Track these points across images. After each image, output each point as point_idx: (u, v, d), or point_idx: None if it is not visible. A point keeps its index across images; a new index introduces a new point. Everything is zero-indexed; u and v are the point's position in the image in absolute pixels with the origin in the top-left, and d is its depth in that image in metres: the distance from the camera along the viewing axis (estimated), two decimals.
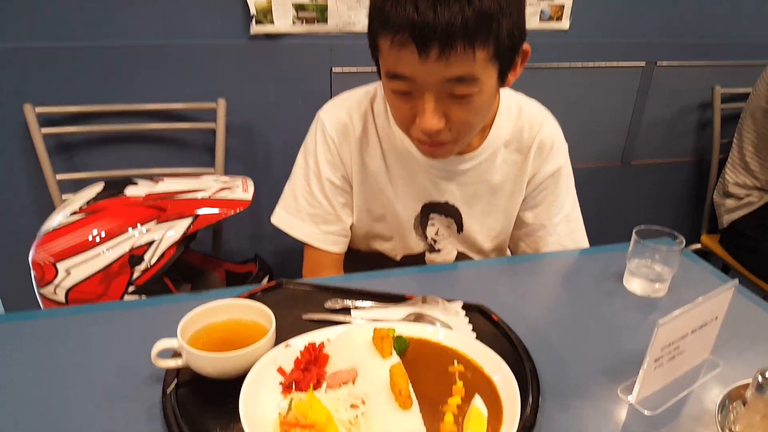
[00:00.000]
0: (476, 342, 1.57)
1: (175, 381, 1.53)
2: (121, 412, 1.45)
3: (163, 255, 2.35)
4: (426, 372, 1.49)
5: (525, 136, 1.72)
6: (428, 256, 2.20)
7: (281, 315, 1.81)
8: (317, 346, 1.55)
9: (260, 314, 1.63)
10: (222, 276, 2.84)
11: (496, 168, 1.76)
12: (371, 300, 1.89)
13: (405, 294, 1.88)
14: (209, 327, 1.63)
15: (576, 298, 1.95)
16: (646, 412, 1.27)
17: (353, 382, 1.40)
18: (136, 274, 2.33)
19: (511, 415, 1.33)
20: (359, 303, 1.85)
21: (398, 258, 2.23)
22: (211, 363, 1.48)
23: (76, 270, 2.30)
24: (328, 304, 1.85)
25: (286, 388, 1.44)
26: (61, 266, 2.30)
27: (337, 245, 2.09)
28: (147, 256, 2.34)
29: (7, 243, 2.61)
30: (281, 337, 1.58)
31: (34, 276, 2.37)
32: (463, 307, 1.84)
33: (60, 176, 2.67)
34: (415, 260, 2.21)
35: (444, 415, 1.36)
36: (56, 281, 2.30)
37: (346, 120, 1.71)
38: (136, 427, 1.41)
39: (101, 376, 1.57)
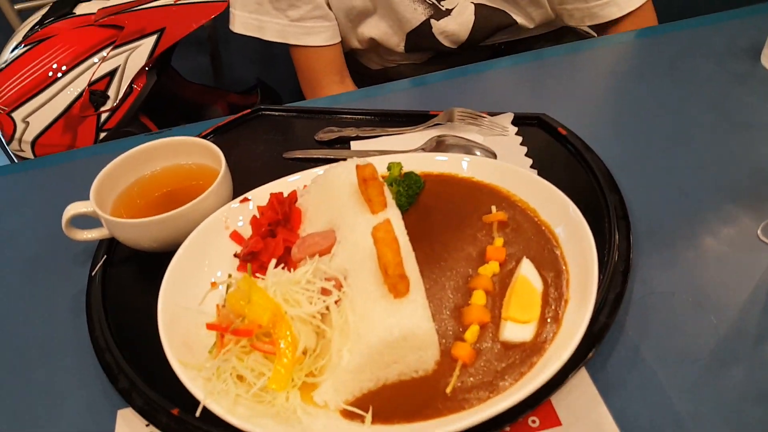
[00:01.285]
0: (531, 174, 1.00)
1: (104, 258, 1.09)
2: (43, 300, 1.11)
3: (130, 88, 1.86)
4: (447, 227, 0.96)
5: None
6: (437, 26, 1.63)
7: (255, 156, 1.32)
8: (285, 197, 1.03)
9: (206, 155, 1.13)
10: (224, 109, 2.34)
11: None
12: (379, 125, 1.32)
13: (428, 110, 1.29)
14: (140, 182, 1.15)
15: (685, 93, 1.29)
16: None
17: (329, 252, 0.90)
18: (103, 116, 1.86)
19: (582, 288, 0.81)
20: (362, 131, 1.29)
21: (401, 47, 1.70)
22: (139, 231, 1.03)
23: (34, 118, 1.88)
24: (320, 136, 1.31)
25: (242, 264, 0.96)
26: (17, 116, 1.88)
27: (319, 35, 1.60)
28: (111, 91, 1.86)
29: None
30: (251, 186, 1.07)
31: (0, 133, 1.96)
32: (515, 122, 1.24)
33: (19, 5, 2.13)
34: (422, 41, 1.67)
35: (471, 294, 0.84)
36: (17, 135, 1.89)
37: None
38: (59, 317, 1.06)
39: (28, 247, 1.23)
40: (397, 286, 0.77)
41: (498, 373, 0.78)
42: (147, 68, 1.89)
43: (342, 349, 0.78)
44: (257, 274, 0.90)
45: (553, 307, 0.84)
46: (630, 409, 0.80)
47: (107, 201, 1.10)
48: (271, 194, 1.03)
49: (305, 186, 1.08)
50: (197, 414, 0.77)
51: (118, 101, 1.88)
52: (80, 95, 1.87)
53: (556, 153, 1.19)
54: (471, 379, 0.78)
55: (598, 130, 1.23)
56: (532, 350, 0.80)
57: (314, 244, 0.92)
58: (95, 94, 1.85)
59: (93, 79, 1.86)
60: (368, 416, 0.76)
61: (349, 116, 1.37)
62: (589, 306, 0.80)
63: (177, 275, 0.94)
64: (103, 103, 1.88)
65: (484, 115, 1.24)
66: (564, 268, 0.88)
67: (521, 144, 1.20)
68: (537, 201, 0.98)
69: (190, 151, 1.15)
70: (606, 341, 0.86)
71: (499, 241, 0.94)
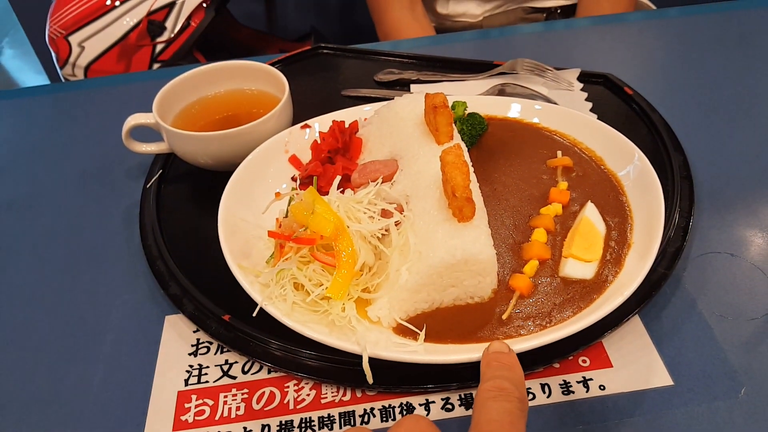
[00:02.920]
0: (598, 122, 0.98)
1: (160, 172, 1.10)
2: (96, 210, 1.12)
3: (189, 21, 1.86)
4: (510, 167, 0.95)
5: None
6: None
7: (313, 92, 1.32)
8: (347, 127, 1.03)
9: (270, 81, 1.13)
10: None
11: None
12: (440, 70, 1.31)
13: (492, 60, 1.28)
14: (203, 101, 1.16)
15: (754, 67, 1.27)
16: None
17: (391, 180, 0.89)
18: (159, 47, 1.87)
19: (646, 234, 0.80)
20: (423, 75, 1.28)
21: None
22: (198, 145, 1.04)
23: (90, 44, 1.89)
24: (379, 77, 1.30)
25: (301, 187, 0.96)
26: (74, 40, 1.89)
27: None
28: (169, 23, 1.86)
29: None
30: (306, 118, 1.07)
31: (55, 57, 1.98)
32: (580, 78, 1.22)
33: None
34: None
35: (532, 232, 0.84)
36: (71, 59, 1.91)
37: None
38: (111, 227, 1.07)
39: (81, 161, 1.23)
40: (463, 209, 0.77)
41: (556, 306, 0.77)
42: (205, 5, 1.88)
43: (401, 268, 0.78)
44: None
45: (615, 250, 0.83)
46: (682, 358, 0.79)
47: (168, 115, 1.11)
48: (333, 121, 1.03)
49: (364, 119, 1.07)
50: (254, 314, 0.78)
51: (174, 34, 1.88)
52: (138, 24, 1.88)
53: (622, 112, 1.17)
54: (528, 309, 0.78)
55: (663, 95, 1.21)
56: (592, 288, 0.79)
57: (376, 171, 0.92)
58: (153, 24, 1.86)
59: (152, 9, 1.86)
60: (422, 333, 0.76)
61: (410, 60, 1.35)
62: (653, 251, 0.79)
63: (237, 188, 0.95)
64: (160, 34, 1.88)
65: (550, 69, 1.22)
66: (629, 214, 0.87)
67: (586, 100, 1.18)
68: (604, 149, 0.97)
69: (254, 77, 1.15)
70: (662, 292, 0.85)
71: (563, 185, 0.92)
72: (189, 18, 1.88)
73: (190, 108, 1.15)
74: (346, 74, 1.36)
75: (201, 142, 1.02)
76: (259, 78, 1.15)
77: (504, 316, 0.77)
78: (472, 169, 0.89)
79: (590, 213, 0.86)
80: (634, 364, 0.78)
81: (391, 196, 0.87)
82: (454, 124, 0.98)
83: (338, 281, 0.77)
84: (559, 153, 0.97)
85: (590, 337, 0.78)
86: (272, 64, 1.35)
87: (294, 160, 1.03)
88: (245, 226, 0.91)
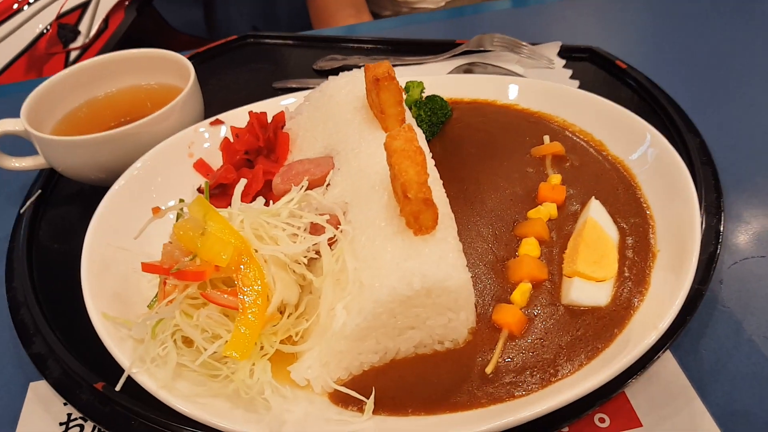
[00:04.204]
0: (592, 96, 0.76)
1: (38, 193, 0.85)
2: None
3: (106, 23, 1.60)
4: (484, 161, 0.72)
5: None
6: None
7: (238, 86, 1.08)
8: (269, 121, 0.79)
9: (172, 71, 0.89)
10: None
11: None
12: (392, 54, 1.07)
13: (454, 39, 1.05)
14: (91, 104, 0.91)
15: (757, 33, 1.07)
16: None
17: (323, 183, 0.65)
18: (73, 54, 1.61)
19: (677, 237, 0.56)
20: (372, 59, 1.05)
21: None
22: (78, 154, 0.81)
23: None
24: (320, 65, 1.07)
25: (213, 201, 0.71)
26: None
27: None
28: (83, 26, 1.61)
29: None
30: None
31: None
32: (563, 53, 1.00)
33: None
34: None
35: (519, 244, 0.60)
36: None
37: None
38: None
39: None
40: (420, 216, 0.53)
41: (562, 349, 0.53)
42: (127, 3, 1.63)
43: (336, 306, 0.54)
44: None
45: (636, 262, 0.59)
46: (736, 405, 0.57)
47: (47, 123, 0.87)
48: (251, 113, 0.79)
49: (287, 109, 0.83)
50: (117, 387, 0.53)
51: (90, 38, 1.63)
52: (47, 28, 1.62)
53: (615, 90, 0.95)
54: (522, 355, 0.54)
55: (657, 68, 0.99)
56: (610, 318, 0.55)
57: (303, 172, 0.68)
58: (64, 28, 1.60)
59: (62, 11, 1.61)
60: (369, 402, 0.51)
61: (356, 44, 1.12)
62: (690, 261, 0.56)
63: (116, 207, 0.71)
64: (73, 39, 1.63)
65: (525, 44, 1.00)
66: (647, 212, 0.64)
67: (571, 78, 0.96)
68: (604, 131, 0.75)
69: (153, 68, 0.92)
70: (697, 316, 0.62)
71: (555, 178, 0.70)
72: (106, 20, 1.63)
73: (77, 113, 0.91)
74: (280, 65, 1.13)
75: (81, 148, 0.79)
76: (159, 68, 0.91)
77: (488, 369, 0.53)
78: (431, 161, 0.65)
79: (596, 213, 0.63)
80: (671, 420, 0.55)
81: (324, 204, 0.62)
82: (408, 109, 0.75)
83: (242, 332, 0.52)
84: (546, 138, 0.74)
85: (609, 388, 0.54)
86: (192, 56, 1.11)
87: (201, 166, 0.79)
88: (125, 258, 0.66)
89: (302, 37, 1.17)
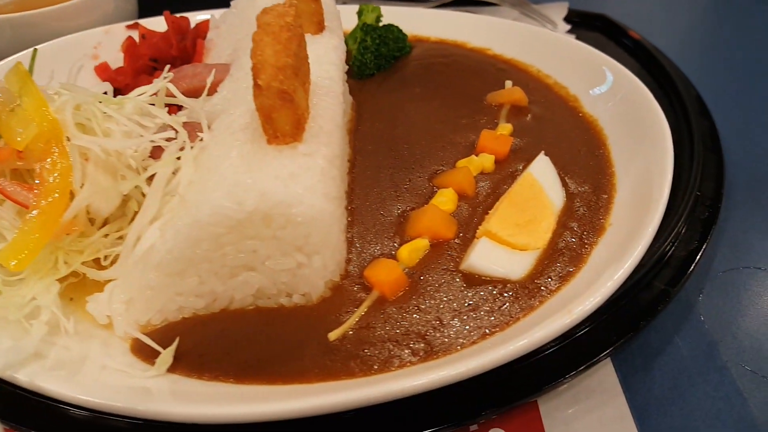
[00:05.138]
0: (579, 43, 0.61)
1: None
2: None
3: None
4: (429, 103, 0.58)
5: None
6: None
7: None
8: (192, 28, 0.67)
9: None
10: None
11: None
12: None
13: None
14: None
15: None
16: None
17: (214, 90, 0.52)
18: None
19: (638, 213, 0.40)
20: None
21: None
22: None
23: None
24: None
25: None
26: None
27: None
28: None
29: None
30: None
31: None
32: (570, 19, 0.85)
33: None
34: None
35: (436, 195, 0.45)
36: None
37: None
38: None
39: None
40: (272, 114, 0.39)
41: (439, 325, 0.38)
42: None
43: (149, 226, 0.40)
44: None
45: (576, 233, 0.44)
46: None
47: None
48: (167, 16, 0.66)
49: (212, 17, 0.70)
50: None
51: None
52: None
53: (624, 63, 0.78)
54: (385, 324, 0.39)
55: (673, 44, 0.83)
56: (517, 296, 0.40)
57: (194, 76, 0.55)
58: None
59: None
60: (164, 355, 0.38)
61: None
62: (644, 235, 0.40)
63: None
64: None
65: (529, 3, 0.85)
66: (609, 179, 0.48)
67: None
68: (581, 84, 0.59)
69: None
70: (658, 325, 0.47)
71: (504, 128, 0.54)
72: None
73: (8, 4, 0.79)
74: None
75: None
76: None
77: (332, 336, 0.38)
78: (342, 90, 0.51)
79: (539, 170, 0.48)
80: None
81: (195, 110, 0.49)
82: (351, 39, 0.61)
83: (25, 237, 0.39)
84: (509, 83, 0.59)
85: (515, 394, 0.39)
86: None
87: (103, 70, 0.66)
88: None
89: None
